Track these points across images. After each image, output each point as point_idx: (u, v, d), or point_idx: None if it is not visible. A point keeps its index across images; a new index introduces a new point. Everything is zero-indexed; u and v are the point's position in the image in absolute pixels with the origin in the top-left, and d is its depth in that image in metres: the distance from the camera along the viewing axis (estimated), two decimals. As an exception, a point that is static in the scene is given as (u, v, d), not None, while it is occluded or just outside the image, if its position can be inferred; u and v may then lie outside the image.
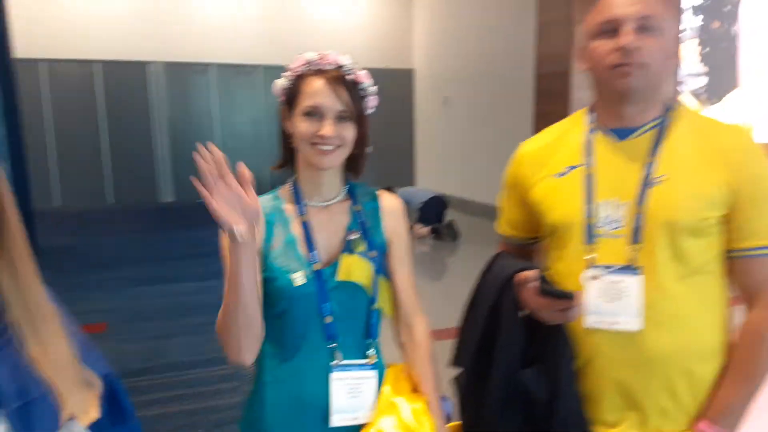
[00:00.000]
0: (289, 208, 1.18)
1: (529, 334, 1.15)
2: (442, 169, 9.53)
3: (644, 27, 1.04)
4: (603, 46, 1.07)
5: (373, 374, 1.16)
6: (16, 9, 6.03)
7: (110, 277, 5.06)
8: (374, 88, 1.19)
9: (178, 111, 9.25)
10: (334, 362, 1.13)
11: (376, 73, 1.30)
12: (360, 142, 1.16)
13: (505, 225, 1.35)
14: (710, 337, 1.10)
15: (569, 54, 4.54)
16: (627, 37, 1.03)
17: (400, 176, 9.72)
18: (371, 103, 1.18)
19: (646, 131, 1.12)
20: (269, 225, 1.15)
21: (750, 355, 1.09)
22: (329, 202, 1.20)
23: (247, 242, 0.94)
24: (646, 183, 1.08)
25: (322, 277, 1.13)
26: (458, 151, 8.89)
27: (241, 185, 0.92)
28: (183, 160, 9.12)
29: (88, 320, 3.52)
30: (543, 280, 1.06)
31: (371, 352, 1.18)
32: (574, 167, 1.16)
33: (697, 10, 5.22)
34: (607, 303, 1.08)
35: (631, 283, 1.07)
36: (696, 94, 5.31)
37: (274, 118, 1.38)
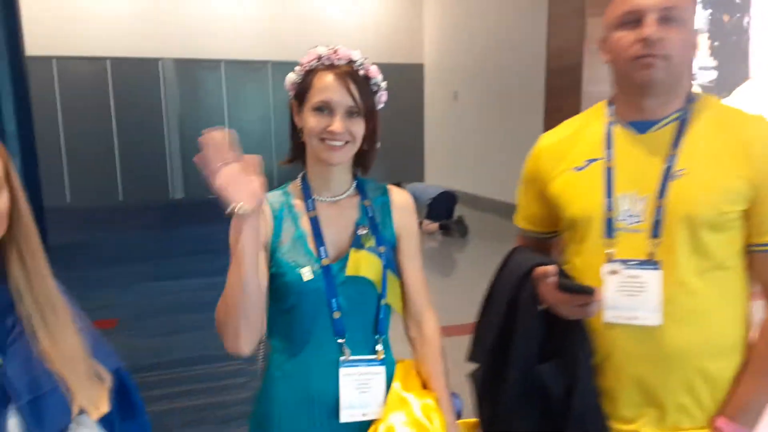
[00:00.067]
0: (298, 204, 1.18)
1: (547, 328, 1.13)
2: (451, 165, 9.50)
3: (667, 18, 1.02)
4: (625, 37, 1.05)
5: (381, 370, 1.15)
6: (27, 7, 6.07)
7: (120, 274, 5.09)
8: (384, 84, 1.17)
9: (189, 107, 9.30)
10: (343, 357, 1.12)
11: (386, 68, 1.29)
12: (370, 137, 1.15)
13: (523, 219, 1.33)
14: (730, 332, 1.08)
15: (581, 48, 4.50)
16: (650, 28, 1.01)
17: (409, 172, 9.71)
18: (382, 98, 1.17)
19: (667, 124, 1.09)
20: (278, 220, 1.15)
21: None
22: (338, 198, 1.19)
23: (249, 215, 0.92)
24: (667, 176, 1.06)
25: (330, 272, 1.12)
26: (468, 146, 8.85)
27: (248, 170, 0.91)
28: (193, 156, 9.14)
29: (98, 316, 3.54)
30: (562, 274, 1.05)
31: (380, 347, 1.17)
32: (593, 161, 1.14)
33: (706, 3, 5.15)
34: (626, 298, 1.07)
35: (651, 278, 1.05)
36: (706, 88, 5.26)
37: (282, 114, 1.37)
